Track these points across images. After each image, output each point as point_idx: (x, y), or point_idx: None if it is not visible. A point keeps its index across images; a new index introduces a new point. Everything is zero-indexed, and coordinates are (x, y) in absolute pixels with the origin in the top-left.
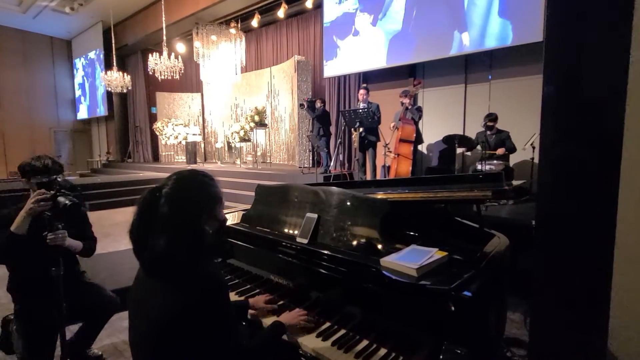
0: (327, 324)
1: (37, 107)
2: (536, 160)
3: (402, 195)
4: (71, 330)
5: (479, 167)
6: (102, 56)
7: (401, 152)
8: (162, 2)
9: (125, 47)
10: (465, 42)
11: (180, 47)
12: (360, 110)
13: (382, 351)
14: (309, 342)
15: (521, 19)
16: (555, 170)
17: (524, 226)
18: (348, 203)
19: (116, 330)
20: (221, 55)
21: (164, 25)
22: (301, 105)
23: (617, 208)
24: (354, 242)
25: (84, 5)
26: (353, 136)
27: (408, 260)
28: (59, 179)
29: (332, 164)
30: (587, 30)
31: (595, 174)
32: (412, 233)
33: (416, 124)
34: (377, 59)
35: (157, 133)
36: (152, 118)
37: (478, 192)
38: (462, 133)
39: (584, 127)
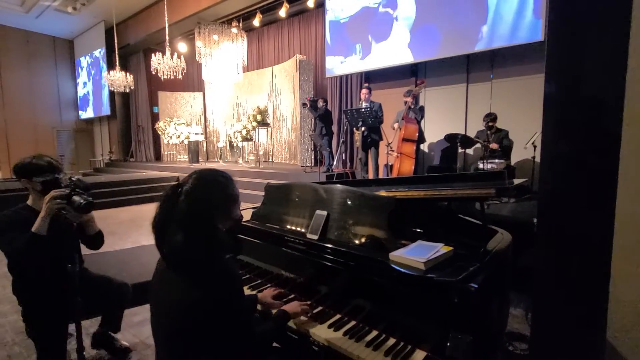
0: (338, 316)
1: (40, 106)
2: (537, 159)
3: (409, 193)
4: (83, 328)
5: (481, 165)
6: (104, 56)
7: (404, 151)
8: (165, 2)
9: (127, 47)
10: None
11: (182, 46)
12: (363, 110)
13: (391, 341)
14: (321, 332)
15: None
16: (557, 168)
17: (526, 224)
18: (356, 201)
19: (127, 325)
20: (223, 55)
21: (166, 25)
22: (304, 104)
23: (615, 206)
24: (363, 238)
25: (87, 5)
26: (355, 135)
27: (415, 254)
28: (73, 178)
29: (334, 162)
30: (588, 30)
31: (595, 172)
32: (417, 230)
33: (418, 123)
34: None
35: (160, 132)
36: (154, 117)
37: (482, 189)
38: (463, 132)
39: (584, 126)
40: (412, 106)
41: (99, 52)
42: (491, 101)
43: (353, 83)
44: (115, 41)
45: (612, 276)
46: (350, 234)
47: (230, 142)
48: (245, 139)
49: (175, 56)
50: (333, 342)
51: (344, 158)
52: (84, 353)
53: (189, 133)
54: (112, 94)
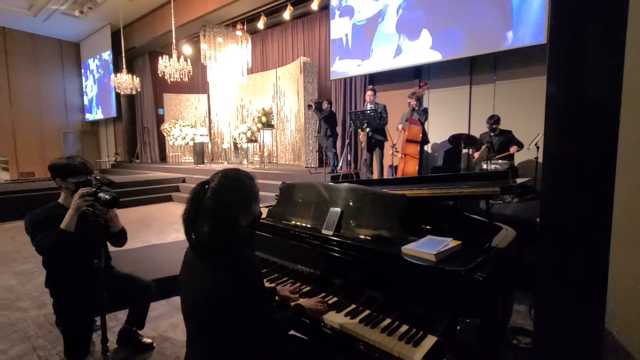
0: (353, 306)
1: (47, 108)
2: (540, 160)
3: (418, 192)
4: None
5: (485, 166)
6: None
7: (408, 152)
8: (172, 5)
9: (133, 50)
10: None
11: (187, 49)
12: (368, 111)
13: (404, 327)
14: (337, 319)
15: None
16: (559, 169)
17: (529, 223)
18: (369, 198)
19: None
20: (228, 57)
21: (173, 28)
22: (309, 106)
23: (613, 205)
24: (375, 233)
25: (93, 9)
26: (360, 137)
27: (426, 247)
28: (97, 177)
29: (339, 164)
30: (590, 31)
31: (595, 172)
32: (426, 227)
33: (422, 124)
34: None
35: (165, 134)
36: (160, 119)
37: (487, 187)
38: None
39: (586, 127)
40: (416, 108)
41: (108, 55)
42: (494, 102)
43: (357, 85)
44: (122, 44)
45: (611, 270)
46: (363, 229)
47: (235, 144)
48: (250, 140)
49: (181, 59)
50: (350, 328)
51: (348, 159)
52: (107, 344)
53: (194, 134)
54: (117, 96)
